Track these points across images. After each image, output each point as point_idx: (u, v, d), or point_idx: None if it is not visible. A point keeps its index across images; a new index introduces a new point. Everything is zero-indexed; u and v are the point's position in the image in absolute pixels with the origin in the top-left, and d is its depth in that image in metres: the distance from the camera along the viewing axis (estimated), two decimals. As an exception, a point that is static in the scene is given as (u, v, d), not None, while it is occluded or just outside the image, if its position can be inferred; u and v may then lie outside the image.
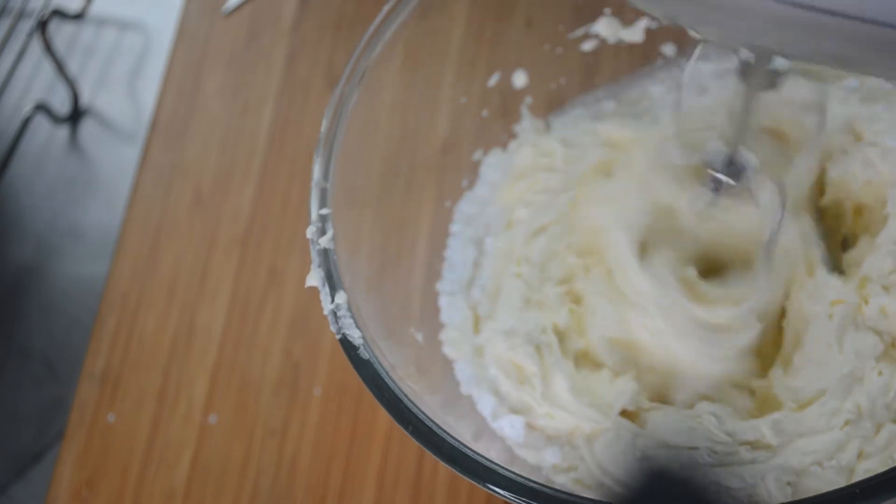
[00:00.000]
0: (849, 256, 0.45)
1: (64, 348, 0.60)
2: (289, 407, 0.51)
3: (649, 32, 0.52)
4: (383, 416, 0.39)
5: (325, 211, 0.39)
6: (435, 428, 0.34)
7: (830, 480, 0.38)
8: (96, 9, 0.72)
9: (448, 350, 0.47)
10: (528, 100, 0.53)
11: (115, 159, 0.67)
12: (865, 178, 0.45)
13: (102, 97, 0.70)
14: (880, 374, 0.40)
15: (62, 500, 0.51)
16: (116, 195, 0.63)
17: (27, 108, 0.66)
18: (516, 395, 0.44)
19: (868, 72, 0.29)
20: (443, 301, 0.49)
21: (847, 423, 0.39)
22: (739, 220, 0.43)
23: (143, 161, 0.61)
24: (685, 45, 0.53)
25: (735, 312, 0.42)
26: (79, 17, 0.70)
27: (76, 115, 0.69)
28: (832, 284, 0.43)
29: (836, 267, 0.45)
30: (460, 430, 0.36)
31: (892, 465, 0.33)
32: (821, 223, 0.47)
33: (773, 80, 0.34)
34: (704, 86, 0.45)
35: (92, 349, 0.55)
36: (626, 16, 0.52)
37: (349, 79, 0.42)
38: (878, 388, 0.40)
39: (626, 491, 0.36)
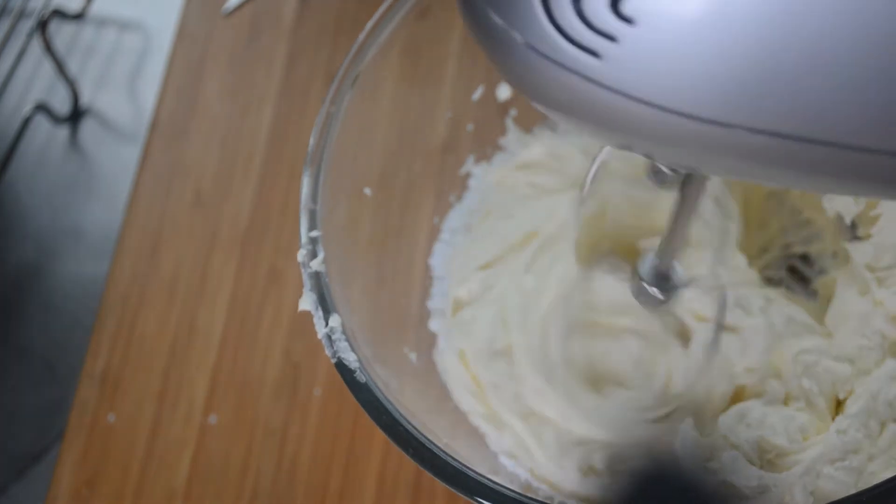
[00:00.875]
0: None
1: (64, 348, 0.60)
2: (289, 407, 0.51)
3: None
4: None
5: (315, 233, 0.39)
6: (436, 450, 0.34)
7: (842, 482, 0.38)
8: (96, 9, 0.72)
9: (442, 372, 0.46)
10: (513, 112, 0.53)
11: (115, 159, 0.67)
12: None
13: (102, 97, 0.70)
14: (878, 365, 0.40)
15: (62, 500, 0.51)
16: (116, 195, 0.63)
17: (27, 108, 0.66)
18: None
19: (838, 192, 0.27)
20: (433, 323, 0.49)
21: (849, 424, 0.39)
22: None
23: (143, 161, 0.61)
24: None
25: None
26: (79, 17, 0.70)
27: (76, 115, 0.69)
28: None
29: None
30: (459, 450, 0.36)
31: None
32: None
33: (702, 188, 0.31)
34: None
35: (92, 349, 0.55)
36: None
37: (334, 99, 0.41)
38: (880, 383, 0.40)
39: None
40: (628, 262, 0.39)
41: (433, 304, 0.49)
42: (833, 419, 0.40)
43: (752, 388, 0.42)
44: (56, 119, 0.68)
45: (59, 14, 0.67)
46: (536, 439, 0.42)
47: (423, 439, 0.34)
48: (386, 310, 0.46)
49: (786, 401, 0.42)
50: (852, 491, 0.35)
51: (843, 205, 0.44)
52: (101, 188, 0.66)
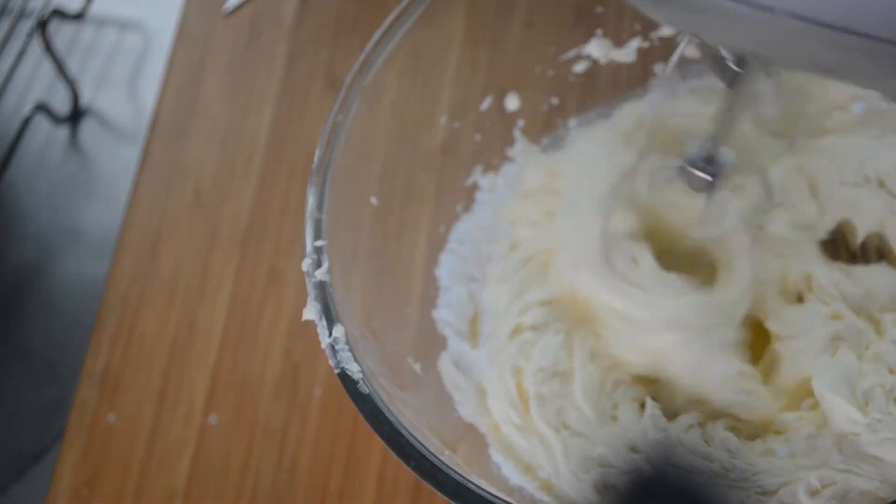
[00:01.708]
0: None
1: (64, 348, 0.60)
2: (289, 407, 0.51)
3: (641, 52, 0.52)
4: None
5: (319, 243, 0.38)
6: (437, 463, 0.34)
7: None
8: (96, 9, 0.72)
9: (448, 383, 0.46)
10: (521, 123, 0.53)
11: (115, 159, 0.67)
12: None
13: (102, 97, 0.70)
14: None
15: (62, 500, 0.51)
16: (116, 195, 0.63)
17: (27, 108, 0.66)
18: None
19: (866, 84, 0.29)
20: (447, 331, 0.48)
21: None
22: (722, 214, 0.43)
23: (143, 161, 0.61)
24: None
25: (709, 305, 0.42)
26: (79, 17, 0.70)
27: (76, 115, 0.69)
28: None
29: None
30: (461, 463, 0.35)
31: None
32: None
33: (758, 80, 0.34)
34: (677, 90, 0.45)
35: (92, 349, 0.55)
36: (619, 36, 0.52)
37: (340, 109, 0.41)
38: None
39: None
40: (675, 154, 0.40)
41: (439, 314, 0.48)
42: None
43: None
44: (56, 119, 0.68)
45: (59, 14, 0.67)
46: (563, 449, 0.42)
47: (424, 452, 0.34)
48: (390, 320, 0.45)
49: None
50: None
51: None
52: (101, 188, 0.66)
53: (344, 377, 0.36)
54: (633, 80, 0.53)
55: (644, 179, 0.43)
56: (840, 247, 0.47)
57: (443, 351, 0.47)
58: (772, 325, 0.43)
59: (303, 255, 0.39)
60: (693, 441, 0.40)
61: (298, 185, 0.58)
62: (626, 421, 0.42)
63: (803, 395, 0.41)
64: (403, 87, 0.46)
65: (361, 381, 0.36)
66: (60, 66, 0.67)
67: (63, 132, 0.69)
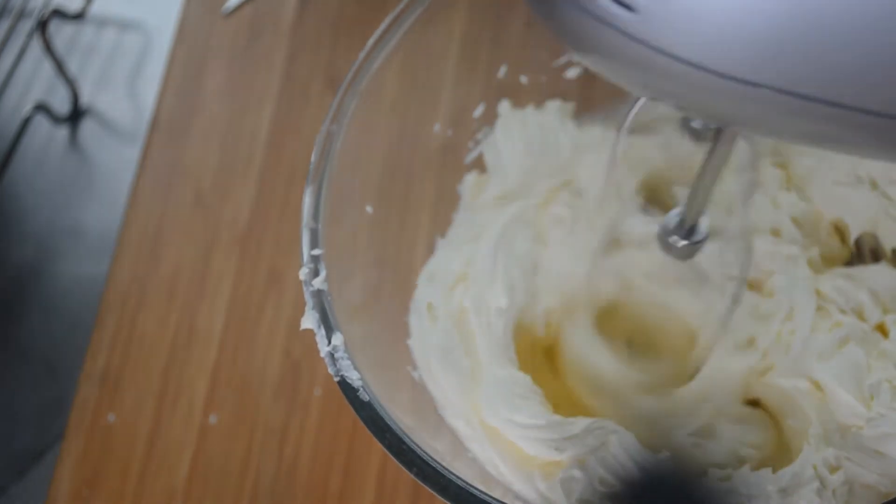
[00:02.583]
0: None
1: (64, 348, 0.60)
2: (289, 407, 0.51)
3: None
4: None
5: (316, 252, 0.38)
6: (439, 469, 0.34)
7: None
8: (96, 9, 0.72)
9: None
10: None
11: (115, 159, 0.67)
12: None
13: (102, 97, 0.70)
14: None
15: (62, 500, 0.51)
16: (116, 195, 0.63)
17: (27, 108, 0.66)
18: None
19: (856, 154, 0.28)
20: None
21: None
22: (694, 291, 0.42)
23: (143, 161, 0.61)
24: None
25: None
26: (79, 17, 0.70)
27: (76, 115, 0.69)
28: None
29: None
30: (463, 469, 0.35)
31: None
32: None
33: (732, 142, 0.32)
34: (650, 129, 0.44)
35: (92, 349, 0.55)
36: None
37: (334, 118, 0.41)
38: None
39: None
40: (659, 210, 0.39)
41: None
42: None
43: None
44: (56, 119, 0.68)
45: (59, 14, 0.67)
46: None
47: (427, 458, 0.34)
48: (388, 327, 0.45)
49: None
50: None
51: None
52: (101, 188, 0.66)
53: (344, 385, 0.36)
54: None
55: (625, 247, 0.43)
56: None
57: None
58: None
59: (301, 260, 0.39)
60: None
61: (298, 184, 0.58)
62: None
63: None
64: (398, 95, 0.46)
65: (362, 389, 0.36)
66: (60, 66, 0.67)
67: (63, 132, 0.69)
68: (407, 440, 0.34)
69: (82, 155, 0.68)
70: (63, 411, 0.54)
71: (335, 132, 0.41)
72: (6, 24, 0.66)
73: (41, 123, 0.68)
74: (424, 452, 0.34)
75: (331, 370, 0.36)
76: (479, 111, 0.51)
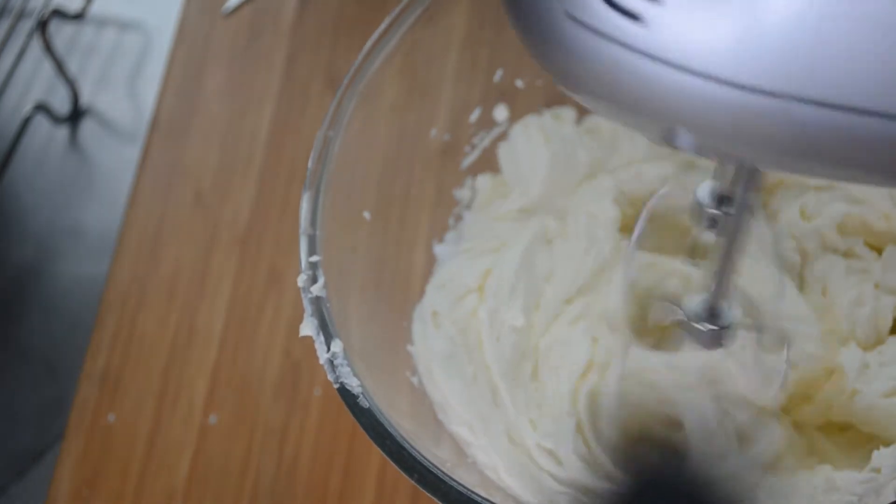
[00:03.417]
0: None
1: (64, 348, 0.60)
2: (289, 407, 0.51)
3: None
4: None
5: (314, 258, 0.38)
6: (440, 475, 0.34)
7: None
8: (96, 9, 0.72)
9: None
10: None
11: (115, 159, 0.67)
12: None
13: (102, 97, 0.70)
14: None
15: (62, 500, 0.51)
16: (116, 195, 0.63)
17: (27, 108, 0.66)
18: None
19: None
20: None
21: None
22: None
23: (143, 161, 0.61)
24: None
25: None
26: (79, 17, 0.70)
27: (76, 115, 0.69)
28: None
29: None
30: (464, 475, 0.35)
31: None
32: None
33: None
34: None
35: (92, 349, 0.55)
36: None
37: (331, 124, 0.41)
38: None
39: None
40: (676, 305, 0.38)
41: None
42: None
43: None
44: (56, 119, 0.68)
45: (59, 14, 0.67)
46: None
47: (427, 464, 0.34)
48: (387, 333, 0.45)
49: None
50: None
51: None
52: (101, 188, 0.66)
53: (343, 392, 0.36)
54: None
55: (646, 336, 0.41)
56: None
57: None
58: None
59: (299, 267, 0.39)
60: None
61: (298, 185, 0.58)
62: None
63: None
64: (397, 99, 0.46)
65: (361, 396, 0.35)
66: (60, 66, 0.67)
67: (63, 132, 0.69)
68: (407, 446, 0.34)
69: (82, 155, 0.68)
70: (63, 411, 0.54)
71: (332, 138, 0.41)
72: (6, 24, 0.66)
73: (41, 123, 0.68)
74: (425, 458, 0.34)
75: (330, 377, 0.36)
76: (475, 115, 0.51)
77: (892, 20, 0.20)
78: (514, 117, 0.52)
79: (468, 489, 0.33)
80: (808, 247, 0.45)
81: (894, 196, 0.45)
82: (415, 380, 0.45)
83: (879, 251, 0.45)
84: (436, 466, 0.34)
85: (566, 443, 0.41)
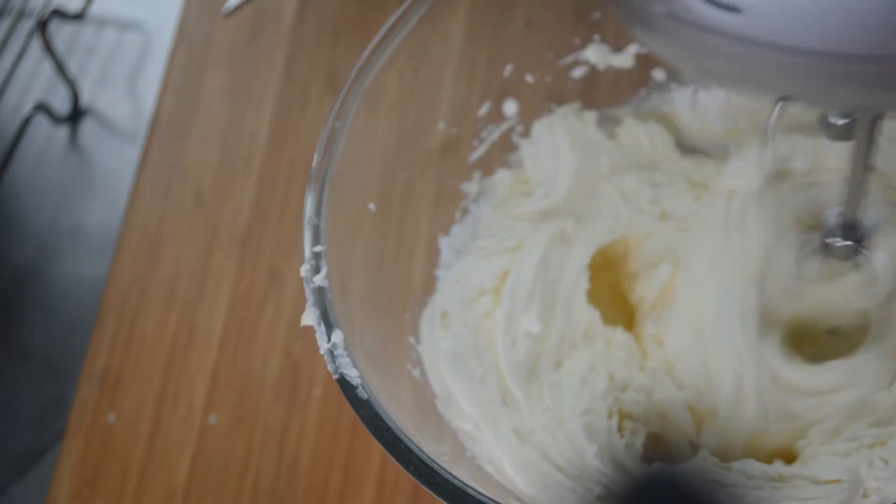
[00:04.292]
0: None
1: (64, 348, 0.60)
2: (289, 407, 0.51)
3: (640, 58, 0.52)
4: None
5: (318, 248, 0.38)
6: (437, 468, 0.34)
7: None
8: (96, 9, 0.72)
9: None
10: (520, 128, 0.52)
11: (115, 159, 0.67)
12: None
13: (102, 97, 0.70)
14: None
15: (62, 500, 0.51)
16: (116, 195, 0.63)
17: (27, 108, 0.66)
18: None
19: None
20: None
21: None
22: (847, 287, 0.40)
23: (143, 161, 0.61)
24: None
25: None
26: (79, 17, 0.70)
27: (76, 115, 0.69)
28: None
29: None
30: (461, 469, 0.35)
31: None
32: None
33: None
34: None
35: (92, 349, 0.55)
36: (617, 42, 0.52)
37: (338, 115, 0.41)
38: None
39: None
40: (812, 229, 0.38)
41: None
42: None
43: None
44: (56, 119, 0.68)
45: (59, 14, 0.67)
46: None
47: (424, 457, 0.34)
48: (388, 325, 0.45)
49: None
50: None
51: None
52: (101, 188, 0.66)
53: (343, 382, 0.36)
54: (633, 85, 0.53)
55: (790, 265, 0.40)
56: None
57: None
58: None
59: (302, 257, 0.39)
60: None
61: (298, 184, 0.58)
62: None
63: None
64: (401, 93, 0.46)
65: (360, 387, 0.35)
66: (60, 66, 0.67)
67: (63, 132, 0.69)
68: (404, 438, 0.34)
69: (82, 155, 0.68)
70: (63, 411, 0.54)
71: (339, 129, 0.41)
72: (6, 24, 0.66)
73: (41, 123, 0.68)
74: (422, 451, 0.34)
75: (330, 367, 0.36)
76: (483, 109, 0.51)
77: None
78: (524, 112, 0.52)
79: (464, 483, 0.33)
80: None
81: None
82: (416, 372, 0.45)
83: None
84: (433, 460, 0.34)
85: (581, 442, 0.41)
